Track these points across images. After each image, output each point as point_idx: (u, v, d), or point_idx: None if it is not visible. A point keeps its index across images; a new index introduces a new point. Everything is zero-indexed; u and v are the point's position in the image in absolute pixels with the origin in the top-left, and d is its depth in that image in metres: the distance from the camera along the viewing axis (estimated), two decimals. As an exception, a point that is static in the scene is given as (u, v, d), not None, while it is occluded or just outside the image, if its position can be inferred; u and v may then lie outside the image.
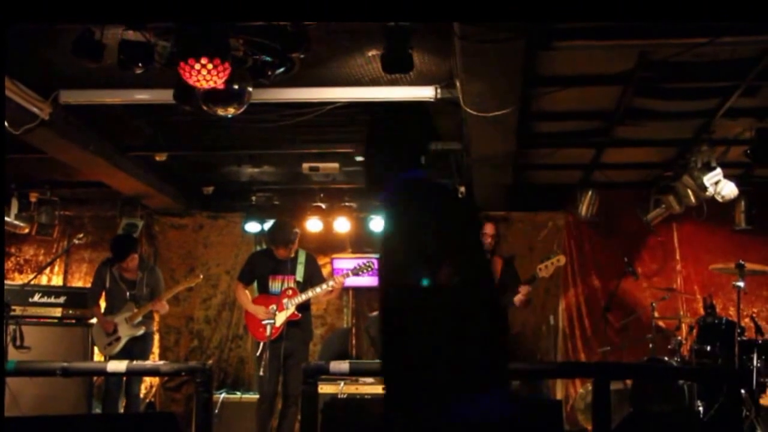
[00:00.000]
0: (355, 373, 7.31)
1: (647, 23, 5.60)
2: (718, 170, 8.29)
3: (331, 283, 7.64)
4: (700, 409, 7.75)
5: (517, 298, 7.15)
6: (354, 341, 10.95)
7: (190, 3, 4.18)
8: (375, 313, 10.33)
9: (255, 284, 7.97)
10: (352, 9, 4.00)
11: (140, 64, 5.55)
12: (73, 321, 9.03)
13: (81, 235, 9.90)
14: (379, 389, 8.52)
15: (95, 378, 9.03)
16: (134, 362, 6.82)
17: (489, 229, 7.77)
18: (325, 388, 8.19)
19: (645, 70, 6.61)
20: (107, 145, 8.67)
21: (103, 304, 8.56)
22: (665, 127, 8.21)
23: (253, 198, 10.76)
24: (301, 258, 7.80)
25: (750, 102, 7.41)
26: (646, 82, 6.99)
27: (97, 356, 8.93)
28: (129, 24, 5.35)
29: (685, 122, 8.08)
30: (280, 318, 7.47)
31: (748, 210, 9.98)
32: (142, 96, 7.15)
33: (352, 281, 9.66)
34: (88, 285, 9.50)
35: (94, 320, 8.61)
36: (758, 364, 7.58)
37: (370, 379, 8.61)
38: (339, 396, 8.29)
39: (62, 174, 9.75)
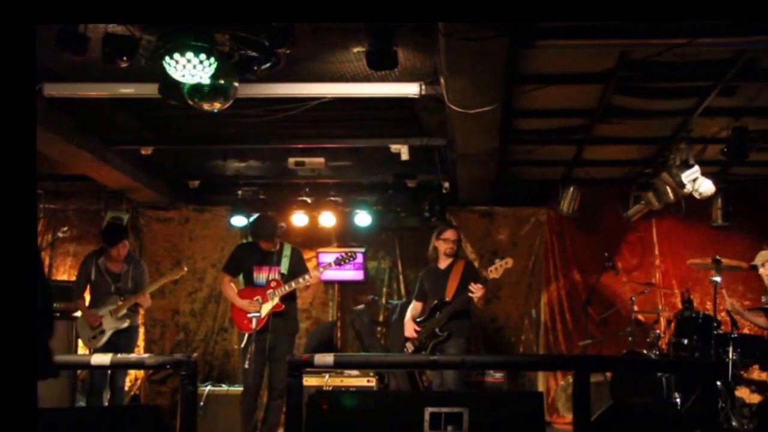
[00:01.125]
0: (339, 366, 7.33)
1: (628, 23, 5.64)
2: (696, 168, 8.35)
3: (314, 273, 7.67)
4: (678, 400, 7.83)
5: (475, 297, 7.39)
6: (339, 334, 10.97)
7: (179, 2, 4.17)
8: (360, 307, 10.36)
9: (241, 276, 7.97)
10: (337, 9, 4.01)
11: (125, 58, 5.54)
12: (58, 314, 8.97)
13: (65, 229, 9.87)
14: (364, 381, 8.61)
15: (79, 371, 9.00)
16: (119, 355, 6.79)
17: (451, 234, 7.96)
18: (310, 381, 8.23)
19: (625, 69, 6.67)
20: (92, 138, 8.65)
21: (87, 297, 8.52)
22: (645, 125, 8.27)
23: (239, 192, 10.75)
24: (287, 251, 7.81)
25: (727, 102, 7.48)
26: (627, 81, 7.05)
27: (82, 349, 8.91)
28: (148, 23, 5.33)
29: (664, 121, 8.15)
30: (265, 309, 7.48)
31: (725, 207, 10.05)
32: (127, 90, 7.10)
33: (337, 275, 9.71)
34: (73, 278, 9.46)
35: (78, 313, 8.57)
36: (734, 357, 7.67)
37: (354, 372, 8.65)
38: (324, 388, 8.32)
39: (47, 167, 9.70)
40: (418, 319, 7.80)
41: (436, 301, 7.70)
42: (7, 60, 2.79)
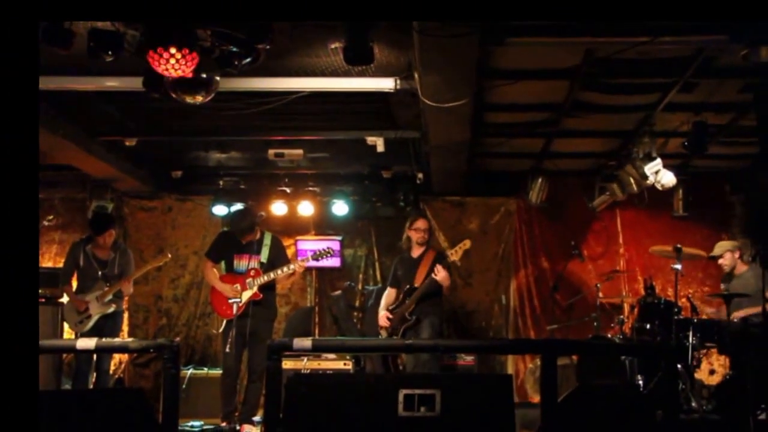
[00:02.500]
0: (317, 350, 7.34)
1: (593, 22, 5.69)
2: (658, 160, 8.42)
3: (292, 266, 7.66)
4: (641, 382, 7.89)
5: (442, 281, 7.53)
6: (317, 319, 10.99)
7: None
8: (337, 292, 10.39)
9: (222, 263, 7.96)
10: (315, 8, 4.02)
11: (110, 52, 5.51)
12: (43, 300, 8.92)
13: (51, 217, 9.80)
14: (340, 364, 8.63)
15: (65, 355, 8.97)
16: (104, 339, 6.77)
17: (422, 224, 8.05)
18: (288, 364, 8.23)
19: (591, 66, 6.71)
20: (78, 129, 8.61)
21: (74, 283, 8.48)
22: (609, 119, 8.34)
23: (221, 182, 10.73)
24: (267, 240, 7.79)
25: (687, 97, 7.55)
26: (592, 78, 7.09)
27: (67, 334, 8.86)
28: (140, 20, 5.32)
29: (628, 115, 8.21)
30: (244, 296, 7.48)
31: (686, 197, 10.15)
32: (112, 83, 7.07)
33: (314, 263, 9.70)
34: (59, 265, 9.41)
35: (65, 299, 8.53)
36: (693, 341, 7.72)
37: (332, 356, 8.65)
38: (302, 371, 8.32)
39: (34, 157, 9.61)
40: (390, 308, 7.92)
41: (406, 288, 7.82)
42: (11, 57, 2.77)
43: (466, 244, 7.73)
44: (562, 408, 4.55)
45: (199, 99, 5.90)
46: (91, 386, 8.16)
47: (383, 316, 7.91)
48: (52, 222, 10.14)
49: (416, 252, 7.97)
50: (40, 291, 8.85)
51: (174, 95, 5.86)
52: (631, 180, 8.95)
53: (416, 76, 6.47)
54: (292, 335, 8.68)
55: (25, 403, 2.76)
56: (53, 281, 8.78)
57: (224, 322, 7.51)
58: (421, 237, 7.95)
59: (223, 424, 7.46)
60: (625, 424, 4.49)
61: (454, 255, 7.66)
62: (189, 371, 9.17)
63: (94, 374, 8.25)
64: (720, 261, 8.45)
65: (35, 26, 3.06)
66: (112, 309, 8.21)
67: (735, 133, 8.66)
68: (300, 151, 9.42)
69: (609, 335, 8.67)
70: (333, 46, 6.34)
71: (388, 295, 8.12)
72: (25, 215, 2.82)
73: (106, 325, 8.17)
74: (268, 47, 5.58)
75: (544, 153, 9.75)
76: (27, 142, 2.89)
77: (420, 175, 10.19)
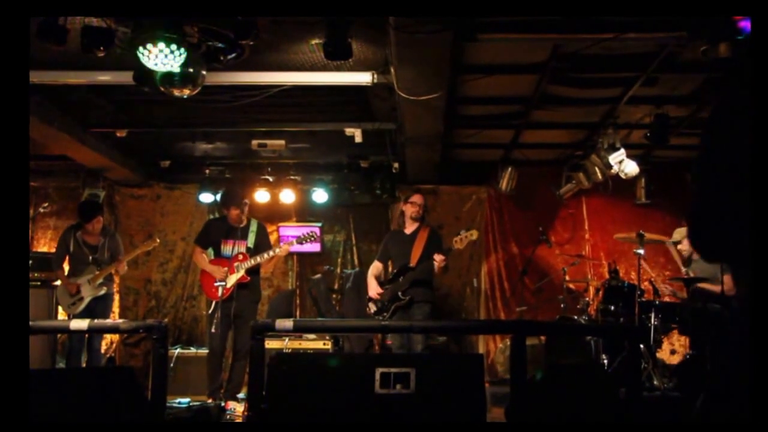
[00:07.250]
0: (298, 330, 7.33)
1: (561, 19, 5.69)
2: (622, 151, 8.46)
3: (277, 250, 7.63)
4: (605, 361, 7.92)
5: (437, 266, 7.21)
6: (298, 301, 10.98)
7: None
8: (317, 276, 10.38)
9: (210, 249, 7.94)
10: (296, 4, 3.99)
11: (102, 48, 5.48)
12: (38, 283, 8.87)
13: (46, 204, 9.73)
14: (320, 344, 8.63)
15: (59, 335, 8.92)
16: (96, 320, 6.72)
17: (417, 199, 7.77)
18: (271, 344, 8.23)
19: (558, 60, 6.72)
20: (71, 121, 8.55)
21: (66, 268, 8.44)
22: (576, 111, 8.35)
23: (207, 171, 10.69)
24: (253, 227, 7.79)
25: (649, 91, 7.58)
26: (559, 72, 7.10)
27: (61, 315, 8.82)
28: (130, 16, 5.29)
29: (593, 108, 8.23)
30: (231, 280, 7.47)
31: (648, 186, 10.20)
32: (104, 77, 7.02)
33: (297, 247, 9.70)
34: (53, 250, 9.37)
35: (58, 282, 8.49)
36: (655, 323, 7.78)
37: (312, 336, 8.66)
38: (284, 351, 8.32)
39: (29, 148, 9.52)
40: (381, 281, 7.63)
41: (400, 266, 7.51)
42: (3, 52, 2.73)
43: (473, 234, 7.29)
44: (531, 385, 4.58)
45: (187, 92, 5.87)
46: (84, 365, 8.13)
47: (375, 288, 7.55)
48: (47, 209, 10.06)
49: (410, 228, 7.64)
50: (35, 275, 8.83)
51: (163, 89, 5.83)
52: (596, 169, 8.98)
53: (392, 70, 6.45)
54: (275, 316, 8.62)
55: (15, 380, 2.74)
56: (48, 265, 8.74)
57: (212, 303, 7.49)
58: (416, 211, 7.62)
59: (209, 401, 7.45)
60: (590, 401, 4.51)
61: (459, 243, 7.26)
62: (176, 351, 9.14)
63: (87, 353, 8.22)
64: (679, 246, 8.50)
65: (26, 22, 3.02)
66: (103, 291, 8.18)
67: (695, 125, 8.70)
68: (282, 142, 9.40)
69: (575, 317, 8.70)
70: (313, 42, 6.32)
71: (375, 267, 7.84)
72: (15, 202, 2.80)
73: (98, 307, 8.15)
74: (252, 43, 5.56)
75: (514, 144, 9.76)
76: (18, 132, 2.86)
77: (396, 165, 10.18)
